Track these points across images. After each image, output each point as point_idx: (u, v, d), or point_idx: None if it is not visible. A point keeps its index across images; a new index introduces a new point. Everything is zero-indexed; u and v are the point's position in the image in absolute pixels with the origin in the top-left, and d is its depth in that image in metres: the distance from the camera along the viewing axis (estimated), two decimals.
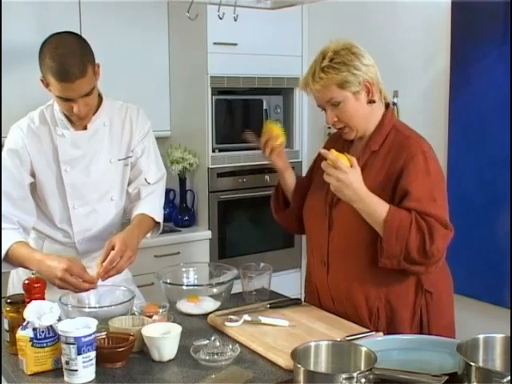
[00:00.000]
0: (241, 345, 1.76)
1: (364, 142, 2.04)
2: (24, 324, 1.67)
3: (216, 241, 3.81)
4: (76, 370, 1.58)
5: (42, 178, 2.20)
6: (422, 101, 3.24)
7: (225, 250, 3.84)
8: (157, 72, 3.87)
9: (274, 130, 2.20)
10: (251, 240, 3.92)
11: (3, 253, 2.03)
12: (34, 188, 2.21)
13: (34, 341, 1.64)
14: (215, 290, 2.11)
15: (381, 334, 1.85)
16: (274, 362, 1.69)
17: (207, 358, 1.67)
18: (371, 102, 1.99)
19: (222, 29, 3.35)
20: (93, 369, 1.61)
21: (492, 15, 2.92)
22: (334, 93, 1.95)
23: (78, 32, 2.28)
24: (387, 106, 2.06)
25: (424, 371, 1.48)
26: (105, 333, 1.73)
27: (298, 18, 3.96)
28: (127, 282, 2.30)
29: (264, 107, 3.95)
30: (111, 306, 1.90)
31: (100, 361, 1.63)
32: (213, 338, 1.72)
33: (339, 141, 2.14)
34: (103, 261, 2.00)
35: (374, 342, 1.68)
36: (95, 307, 1.97)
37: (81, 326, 1.61)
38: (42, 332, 1.64)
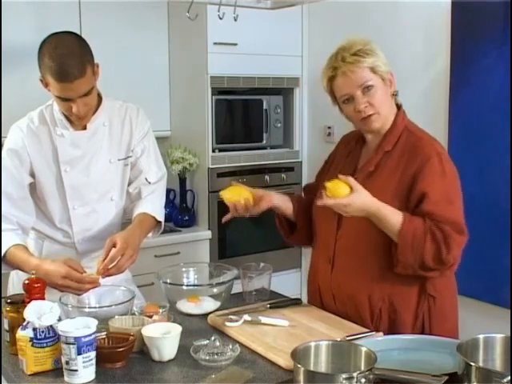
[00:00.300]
0: (241, 345, 1.76)
1: (377, 141, 2.03)
2: (24, 324, 1.67)
3: (216, 241, 3.81)
4: (76, 370, 1.58)
5: (41, 179, 2.20)
6: (422, 101, 3.24)
7: (225, 250, 3.84)
8: (157, 72, 3.87)
9: (232, 193, 2.11)
10: (251, 240, 3.92)
11: (2, 253, 2.03)
12: (33, 188, 2.21)
13: (34, 341, 1.64)
14: (215, 290, 2.11)
15: (381, 334, 1.85)
16: (274, 361, 1.69)
17: (207, 358, 1.67)
18: (394, 94, 2.01)
19: (222, 29, 3.35)
20: (93, 369, 1.61)
21: (492, 15, 2.92)
22: (367, 75, 1.93)
23: (78, 32, 2.28)
24: (398, 107, 2.06)
25: (424, 371, 1.48)
26: (105, 333, 1.73)
27: (298, 18, 3.96)
28: (127, 281, 2.30)
29: (264, 107, 3.95)
30: (111, 306, 1.90)
31: (100, 361, 1.63)
32: (213, 338, 1.72)
33: (351, 143, 2.14)
34: (104, 258, 2.00)
35: (374, 342, 1.68)
36: (95, 307, 1.97)
37: (81, 326, 1.61)
38: (42, 332, 1.64)
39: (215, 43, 3.64)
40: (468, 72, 3.05)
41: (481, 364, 1.51)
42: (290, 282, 4.05)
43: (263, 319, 1.92)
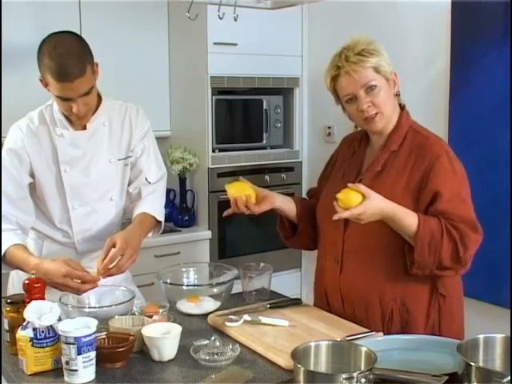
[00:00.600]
0: (241, 345, 1.76)
1: (381, 142, 2.02)
2: (24, 324, 1.67)
3: (216, 241, 3.81)
4: (76, 370, 1.58)
5: (41, 179, 2.19)
6: (422, 101, 3.24)
7: (225, 250, 3.84)
8: (157, 72, 3.87)
9: (236, 188, 2.11)
10: (251, 240, 3.92)
11: (3, 251, 2.03)
12: (33, 188, 2.21)
13: (34, 341, 1.64)
14: (215, 290, 2.11)
15: (381, 333, 1.85)
16: (274, 361, 1.69)
17: (207, 357, 1.67)
18: (397, 94, 2.01)
19: (222, 29, 3.35)
20: (93, 369, 1.61)
21: (492, 15, 2.92)
22: (371, 75, 1.93)
23: (78, 32, 2.27)
24: (402, 107, 2.06)
25: (424, 371, 1.48)
26: (105, 333, 1.73)
27: (298, 18, 3.96)
28: (127, 281, 2.30)
29: (264, 107, 3.95)
30: (111, 306, 1.90)
31: (100, 361, 1.63)
32: (213, 338, 1.72)
33: (354, 143, 2.14)
34: (104, 258, 2.00)
35: (374, 342, 1.68)
36: (95, 307, 1.97)
37: (81, 326, 1.61)
38: (42, 332, 1.64)
39: (215, 43, 3.64)
40: (468, 72, 3.05)
41: (481, 364, 1.51)
42: (290, 282, 4.05)
43: (263, 319, 1.92)
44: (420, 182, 1.92)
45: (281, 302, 2.10)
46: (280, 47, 3.88)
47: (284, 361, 1.65)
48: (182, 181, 3.87)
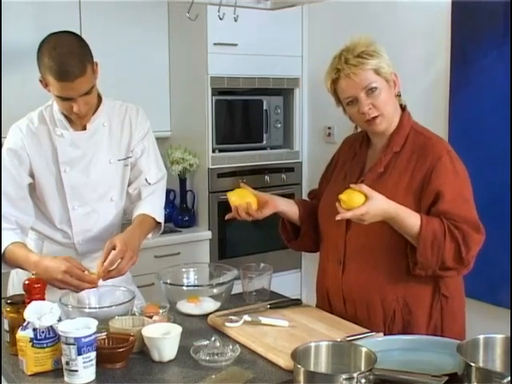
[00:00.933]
0: (241, 345, 1.76)
1: (383, 143, 2.02)
2: (24, 324, 1.67)
3: (216, 241, 3.81)
4: (76, 371, 1.58)
5: (41, 179, 2.19)
6: (422, 101, 3.24)
7: (225, 251, 3.84)
8: (157, 72, 3.87)
9: (237, 196, 2.11)
10: (251, 240, 3.92)
11: (2, 250, 2.03)
12: (33, 189, 2.21)
13: (34, 341, 1.64)
14: (215, 291, 2.11)
15: (381, 334, 1.85)
16: (274, 362, 1.69)
17: (207, 358, 1.67)
18: (398, 95, 2.01)
19: (222, 29, 3.35)
20: (93, 369, 1.61)
21: (492, 15, 2.92)
22: (371, 77, 1.92)
23: (78, 32, 2.28)
24: (403, 108, 2.06)
25: (424, 372, 1.48)
26: (105, 333, 1.73)
27: (298, 19, 3.96)
28: (127, 282, 2.30)
29: (264, 108, 3.95)
30: (111, 306, 1.90)
31: (100, 361, 1.63)
32: (213, 339, 1.72)
33: (355, 144, 2.13)
34: (104, 261, 2.00)
35: (374, 343, 1.68)
36: (95, 308, 1.97)
37: (81, 327, 1.61)
38: (43, 332, 1.64)
39: (215, 44, 3.64)
40: (468, 72, 3.05)
41: (481, 364, 1.51)
42: (290, 283, 4.05)
43: (263, 320, 1.92)
44: (422, 182, 1.92)
45: (281, 303, 2.10)
46: (280, 48, 3.88)
47: (284, 361, 1.65)
48: (182, 181, 3.87)
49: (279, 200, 2.15)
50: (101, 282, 2.01)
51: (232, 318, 1.93)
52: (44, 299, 1.77)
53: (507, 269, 2.90)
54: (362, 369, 1.47)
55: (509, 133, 2.88)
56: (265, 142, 3.99)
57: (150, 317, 1.85)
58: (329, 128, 3.91)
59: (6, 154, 2.16)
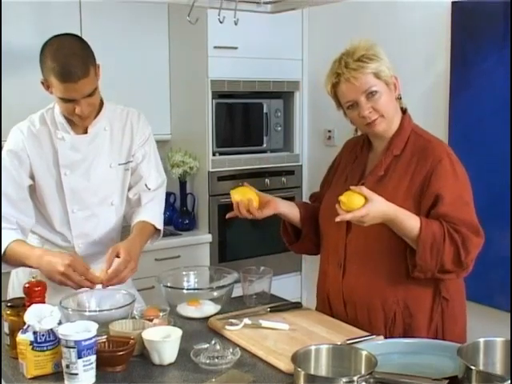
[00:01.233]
0: (241, 348, 1.76)
1: (384, 145, 2.02)
2: (24, 327, 1.66)
3: (216, 244, 3.82)
4: (76, 374, 1.57)
5: (41, 181, 2.19)
6: (422, 104, 3.24)
7: (225, 254, 3.85)
8: (157, 75, 3.88)
9: (239, 193, 2.10)
10: (251, 243, 3.92)
11: (2, 250, 2.03)
12: (33, 191, 2.21)
13: (35, 344, 1.64)
14: (215, 294, 2.11)
15: (381, 337, 1.85)
16: (274, 365, 1.68)
17: (207, 361, 1.66)
18: (398, 98, 2.01)
19: (223, 32, 3.36)
20: (93, 372, 1.61)
21: (492, 18, 2.93)
22: (371, 81, 1.92)
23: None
24: (403, 111, 2.06)
25: (424, 375, 1.48)
26: (105, 336, 1.73)
27: (298, 22, 3.97)
28: (127, 285, 2.29)
29: (264, 111, 3.95)
30: (111, 309, 1.90)
31: (100, 364, 1.63)
32: (213, 342, 1.72)
33: (356, 148, 2.14)
34: (108, 268, 2.00)
35: (375, 346, 1.68)
36: (95, 311, 1.96)
37: (81, 330, 1.61)
38: (43, 335, 1.64)
39: (215, 47, 3.65)
40: (468, 75, 3.05)
41: (481, 368, 1.51)
42: (291, 286, 4.05)
43: (263, 323, 1.92)
44: (422, 185, 1.92)
45: (281, 306, 2.10)
46: (280, 51, 3.89)
47: (284, 364, 1.65)
48: (183, 184, 3.87)
49: (280, 202, 2.16)
50: (98, 286, 2.02)
51: (232, 321, 1.93)
52: (44, 302, 1.77)
53: (507, 272, 2.90)
54: (363, 372, 1.47)
55: (509, 136, 2.88)
56: (265, 145, 4.00)
57: (151, 320, 1.85)
58: (329, 131, 3.92)
59: (7, 155, 2.16)
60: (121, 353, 1.67)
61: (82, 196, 2.23)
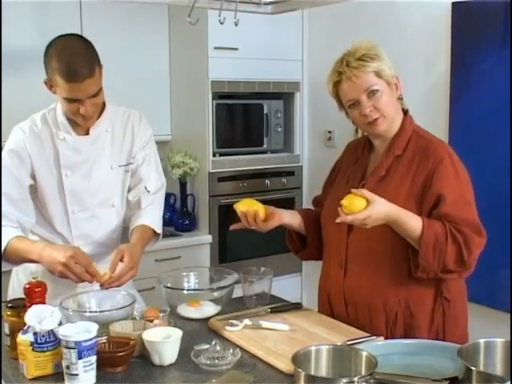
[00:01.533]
0: (241, 349, 1.76)
1: (385, 146, 2.03)
2: (25, 328, 1.66)
3: (217, 245, 3.81)
4: (77, 375, 1.58)
5: (42, 181, 2.19)
6: (423, 104, 3.24)
7: (225, 255, 3.84)
8: (157, 76, 3.88)
9: (244, 204, 2.12)
10: (252, 244, 3.92)
11: (2, 247, 2.03)
12: (34, 191, 2.21)
13: (35, 345, 1.64)
14: (216, 295, 2.11)
15: (381, 338, 1.85)
16: (274, 366, 1.68)
17: (208, 362, 1.67)
18: (400, 98, 2.02)
19: (223, 33, 3.36)
20: (93, 373, 1.61)
21: (492, 18, 2.93)
22: (372, 80, 1.93)
23: None
24: (405, 112, 2.06)
25: (425, 376, 1.48)
26: (105, 337, 1.73)
27: (298, 23, 3.97)
28: (127, 286, 2.29)
29: (264, 112, 3.95)
30: (112, 310, 1.90)
31: (101, 365, 1.63)
32: (213, 343, 1.72)
33: (357, 149, 2.14)
34: (112, 271, 2.01)
35: (375, 347, 1.68)
36: (96, 311, 1.96)
37: (81, 331, 1.61)
38: (43, 336, 1.64)
39: (216, 48, 3.65)
40: (468, 76, 3.05)
41: (481, 368, 1.51)
42: (291, 287, 4.05)
43: (264, 323, 1.92)
44: (423, 185, 1.92)
45: (281, 307, 2.10)
46: (280, 52, 3.89)
47: (284, 365, 1.65)
48: (183, 185, 3.87)
49: (284, 213, 2.17)
50: (97, 286, 2.02)
51: (232, 321, 1.93)
52: (44, 303, 1.77)
53: (508, 272, 2.90)
54: (363, 373, 1.47)
55: (509, 136, 2.88)
56: (265, 146, 4.00)
57: (151, 321, 1.85)
58: (329, 132, 3.92)
59: (7, 155, 2.15)
60: (121, 353, 1.67)
61: (83, 197, 2.23)
